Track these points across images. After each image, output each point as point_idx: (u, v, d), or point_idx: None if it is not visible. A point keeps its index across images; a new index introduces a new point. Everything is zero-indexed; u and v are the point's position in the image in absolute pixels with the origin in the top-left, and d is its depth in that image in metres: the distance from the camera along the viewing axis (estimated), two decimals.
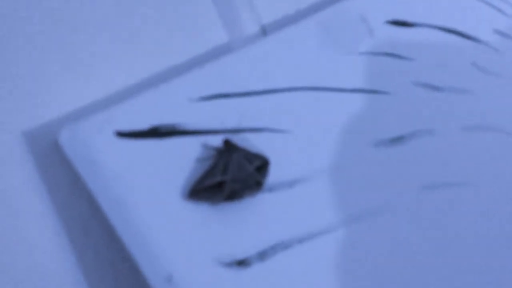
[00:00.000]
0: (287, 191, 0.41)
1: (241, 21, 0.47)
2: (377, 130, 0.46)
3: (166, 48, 0.43)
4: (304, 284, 0.39)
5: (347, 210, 0.42)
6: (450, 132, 0.50)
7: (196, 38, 0.44)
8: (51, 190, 0.37)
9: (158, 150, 0.38)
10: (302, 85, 0.45)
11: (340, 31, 0.48)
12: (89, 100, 0.39)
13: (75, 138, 0.36)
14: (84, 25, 0.40)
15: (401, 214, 0.44)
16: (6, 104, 0.37)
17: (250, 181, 0.38)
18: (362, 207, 0.43)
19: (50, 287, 0.35)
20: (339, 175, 0.43)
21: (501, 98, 0.56)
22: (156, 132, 0.38)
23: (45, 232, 0.36)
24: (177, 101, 0.40)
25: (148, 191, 0.37)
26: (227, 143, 0.39)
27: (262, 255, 0.38)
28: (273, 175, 0.40)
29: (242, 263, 0.37)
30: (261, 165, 0.40)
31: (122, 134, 0.37)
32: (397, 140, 0.47)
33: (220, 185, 0.38)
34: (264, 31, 0.48)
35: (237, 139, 0.40)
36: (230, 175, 0.38)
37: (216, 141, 0.40)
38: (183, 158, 0.38)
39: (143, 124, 0.38)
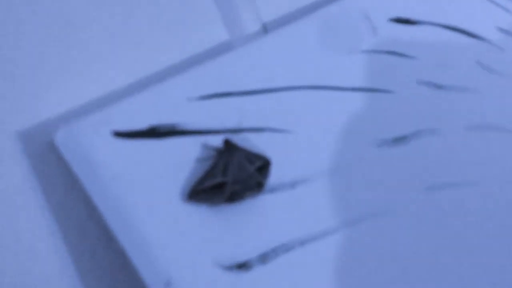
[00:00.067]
0: (288, 192, 0.40)
1: (241, 19, 0.47)
2: (380, 130, 0.46)
3: (164, 46, 0.43)
4: (307, 287, 0.38)
5: (350, 212, 0.42)
6: (453, 132, 0.50)
7: (196, 36, 0.44)
8: (47, 191, 0.37)
9: (157, 151, 0.38)
10: (303, 84, 0.45)
11: (342, 29, 0.48)
12: (86, 99, 0.39)
13: (71, 138, 0.36)
14: (80, 22, 0.40)
15: (405, 215, 0.44)
16: (1, 103, 0.36)
17: (251, 182, 0.38)
18: (364, 208, 0.43)
19: None
20: (341, 175, 0.43)
21: (505, 97, 0.56)
22: (154, 132, 0.38)
23: (41, 234, 0.36)
24: (176, 100, 0.40)
25: (146, 193, 0.36)
26: (227, 143, 0.39)
27: (263, 258, 0.38)
28: (274, 176, 0.40)
29: (243, 266, 0.37)
30: (262, 165, 0.39)
31: (120, 134, 0.37)
32: (400, 139, 0.47)
33: (220, 186, 0.37)
34: (265, 29, 0.48)
35: (237, 139, 0.40)
36: (231, 176, 0.38)
37: (216, 141, 0.39)
38: (182, 159, 0.38)
39: (141, 123, 0.38)
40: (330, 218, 0.41)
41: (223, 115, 0.40)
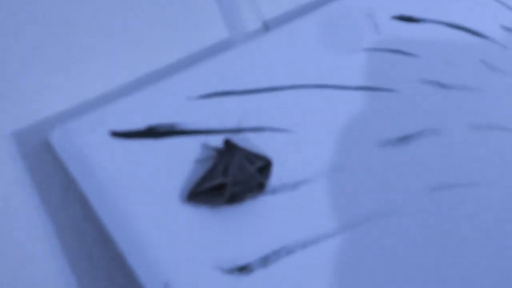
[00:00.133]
0: (290, 193, 0.40)
1: (242, 16, 0.46)
2: (383, 129, 0.46)
3: (163, 44, 0.42)
4: None
5: (353, 213, 0.41)
6: (457, 131, 0.50)
7: (195, 34, 0.44)
8: (42, 192, 0.36)
9: (155, 151, 0.37)
10: (305, 82, 0.44)
11: (344, 27, 0.48)
12: (82, 98, 0.38)
13: (67, 138, 0.35)
14: (76, 19, 0.39)
15: (408, 216, 0.43)
16: None
17: (251, 183, 0.38)
18: (368, 209, 0.42)
19: None
20: (344, 176, 0.42)
21: (510, 96, 0.56)
22: (153, 132, 0.38)
23: (36, 235, 0.35)
24: (175, 99, 0.39)
25: (144, 194, 0.36)
26: (227, 143, 0.39)
27: (265, 261, 0.38)
28: (276, 177, 0.40)
29: (243, 269, 0.37)
30: (263, 166, 0.39)
31: (117, 134, 0.37)
32: (404, 139, 0.46)
33: (220, 188, 0.37)
34: (266, 27, 0.47)
35: (238, 139, 0.40)
36: (231, 176, 0.37)
37: (216, 141, 0.39)
38: (181, 159, 0.38)
39: (139, 123, 0.38)
40: (333, 219, 0.41)
41: (223, 115, 0.40)
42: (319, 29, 0.47)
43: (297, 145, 0.42)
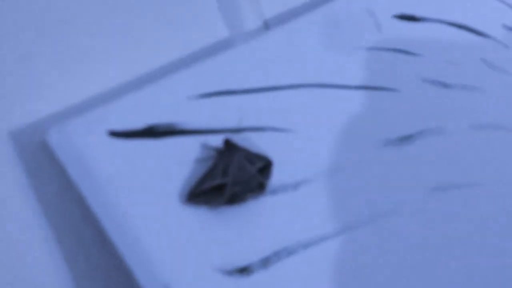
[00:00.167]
0: (291, 194, 0.40)
1: (242, 15, 0.46)
2: (385, 129, 0.46)
3: (163, 43, 0.42)
4: None
5: (354, 213, 0.41)
6: (459, 131, 0.50)
7: (195, 33, 0.43)
8: (40, 193, 0.36)
9: (154, 151, 0.37)
10: (306, 81, 0.44)
11: (345, 25, 0.48)
12: (80, 97, 0.38)
13: (65, 138, 0.35)
14: (73, 17, 0.39)
15: (411, 216, 0.43)
16: None
17: (252, 183, 0.38)
18: (369, 209, 0.42)
19: None
20: (345, 176, 0.42)
21: (511, 95, 0.56)
22: (152, 132, 0.38)
23: (33, 236, 0.35)
24: (175, 98, 0.39)
25: (143, 195, 0.36)
26: (227, 143, 0.38)
27: (265, 262, 0.37)
28: (276, 177, 0.40)
29: (244, 270, 0.36)
30: (264, 166, 0.39)
31: (116, 134, 0.37)
32: (405, 139, 0.46)
33: (220, 188, 0.37)
34: (267, 26, 0.47)
35: (238, 139, 0.40)
36: (231, 177, 0.37)
37: (216, 141, 0.39)
38: (181, 159, 0.38)
39: (138, 123, 0.37)
40: (334, 220, 0.41)
41: (223, 114, 0.40)
42: (320, 28, 0.47)
43: (298, 144, 0.42)
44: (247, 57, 0.43)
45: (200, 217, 0.37)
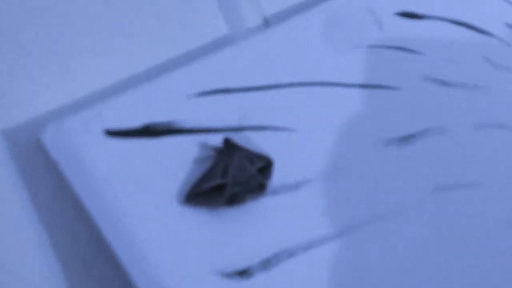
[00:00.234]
0: (291, 194, 0.40)
1: (242, 12, 0.46)
2: (386, 128, 0.46)
3: (161, 40, 0.42)
4: None
5: (356, 214, 0.41)
6: (462, 130, 0.50)
7: (194, 30, 0.43)
8: (34, 193, 0.36)
9: (152, 150, 0.37)
10: (307, 80, 0.44)
11: (346, 23, 0.48)
12: (75, 95, 0.38)
13: (60, 137, 0.35)
14: (69, 13, 0.39)
15: (413, 216, 0.43)
16: None
17: (252, 184, 0.37)
18: (371, 210, 0.42)
19: None
20: (347, 176, 0.42)
21: None
22: (149, 131, 0.37)
23: (27, 238, 0.35)
24: (173, 96, 0.39)
25: (140, 195, 0.35)
26: (227, 142, 0.38)
27: (265, 264, 0.37)
28: (277, 177, 0.39)
29: (243, 273, 0.36)
30: (264, 166, 0.38)
31: (112, 133, 0.36)
32: (407, 138, 0.46)
33: (219, 188, 0.37)
34: (267, 23, 0.47)
35: (238, 138, 0.39)
36: (231, 177, 0.37)
37: (216, 140, 0.39)
38: (179, 159, 0.37)
39: (135, 121, 0.37)
40: (335, 221, 0.40)
41: (223, 113, 0.40)
42: (320, 26, 0.46)
43: (299, 144, 0.41)
44: (247, 55, 0.42)
45: (199, 218, 0.36)
